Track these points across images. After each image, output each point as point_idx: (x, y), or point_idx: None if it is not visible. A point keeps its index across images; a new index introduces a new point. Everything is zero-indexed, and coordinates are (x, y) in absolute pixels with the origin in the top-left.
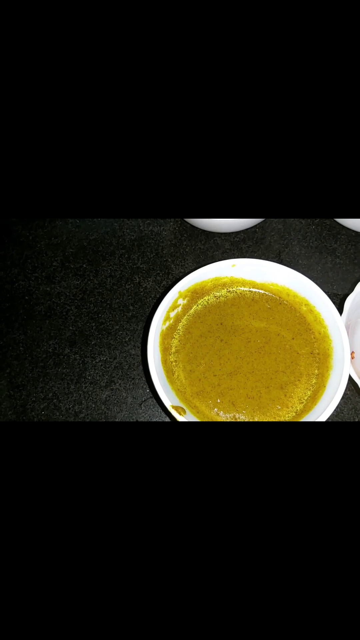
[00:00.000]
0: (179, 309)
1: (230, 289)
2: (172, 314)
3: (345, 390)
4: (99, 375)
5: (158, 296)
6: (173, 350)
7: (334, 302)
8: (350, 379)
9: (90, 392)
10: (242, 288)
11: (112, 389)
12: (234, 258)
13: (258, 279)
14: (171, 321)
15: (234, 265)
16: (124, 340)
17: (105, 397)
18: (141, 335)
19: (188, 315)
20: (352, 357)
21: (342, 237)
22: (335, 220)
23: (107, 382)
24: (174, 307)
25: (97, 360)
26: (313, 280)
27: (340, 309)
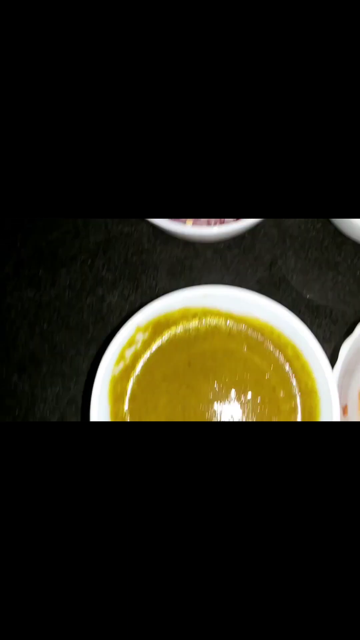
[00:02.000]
0: (138, 344)
1: (203, 320)
2: (129, 353)
3: None
4: (50, 411)
5: (124, 315)
6: (129, 396)
7: (329, 331)
8: None
9: None
10: (217, 320)
11: None
12: (205, 285)
13: (236, 310)
14: (127, 361)
15: (205, 296)
16: (80, 368)
17: None
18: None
19: (149, 352)
20: (345, 413)
21: (348, 247)
22: (339, 228)
23: (58, 419)
24: (130, 343)
25: (48, 393)
26: (309, 301)
27: (335, 354)
